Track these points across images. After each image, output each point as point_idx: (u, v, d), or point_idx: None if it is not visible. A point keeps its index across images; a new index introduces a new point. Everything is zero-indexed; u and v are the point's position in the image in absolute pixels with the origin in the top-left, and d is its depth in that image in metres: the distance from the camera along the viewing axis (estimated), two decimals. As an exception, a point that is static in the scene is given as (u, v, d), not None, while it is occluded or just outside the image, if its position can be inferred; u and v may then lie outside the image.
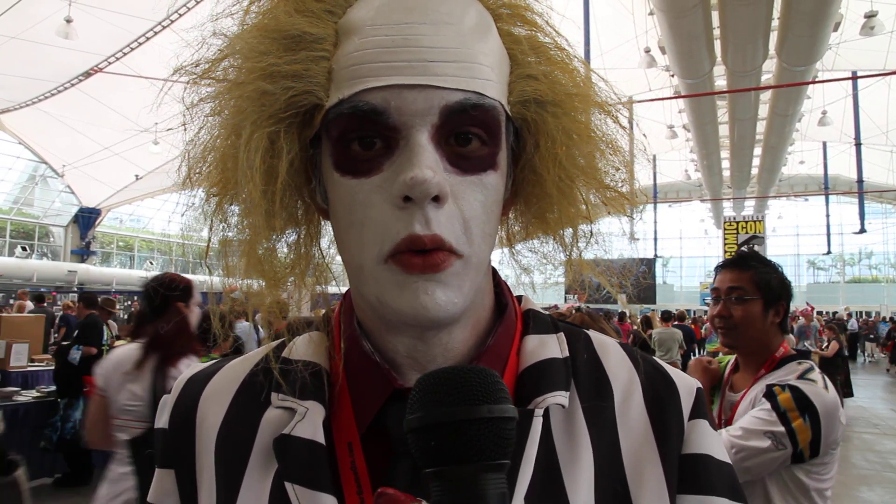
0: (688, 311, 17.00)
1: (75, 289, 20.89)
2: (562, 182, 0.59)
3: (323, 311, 0.67)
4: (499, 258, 0.70)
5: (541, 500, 0.52)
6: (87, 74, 17.19)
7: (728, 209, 30.98)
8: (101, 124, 18.82)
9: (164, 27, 15.42)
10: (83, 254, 26.34)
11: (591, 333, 0.65)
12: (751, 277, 1.94)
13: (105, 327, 7.16)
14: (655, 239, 28.41)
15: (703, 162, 22.97)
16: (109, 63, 16.67)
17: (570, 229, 0.63)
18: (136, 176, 22.95)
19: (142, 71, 14.57)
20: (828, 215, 28.21)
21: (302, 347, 0.62)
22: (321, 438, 0.55)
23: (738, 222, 20.58)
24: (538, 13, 0.60)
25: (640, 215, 0.68)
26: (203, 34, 0.58)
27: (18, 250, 24.79)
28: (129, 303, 19.54)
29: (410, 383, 0.54)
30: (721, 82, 16.66)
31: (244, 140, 0.52)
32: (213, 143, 0.57)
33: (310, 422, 0.56)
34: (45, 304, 12.19)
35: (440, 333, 0.55)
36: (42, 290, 18.91)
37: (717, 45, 13.65)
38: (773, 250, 34.47)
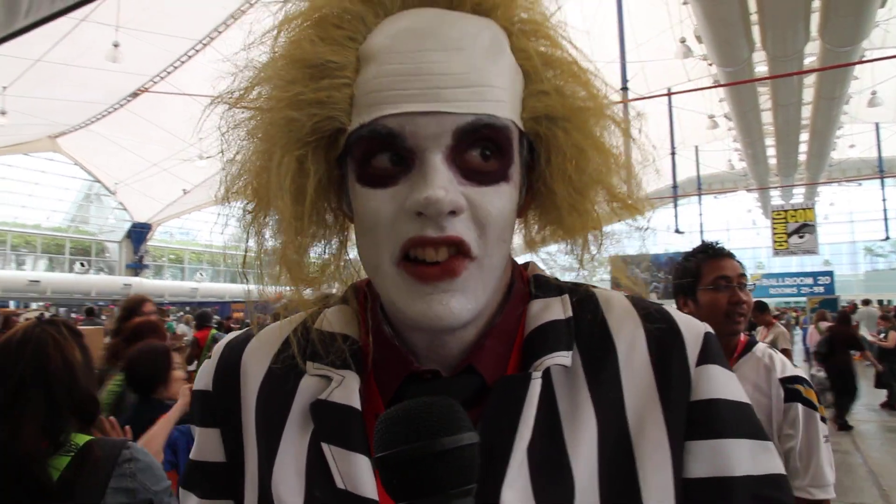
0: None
1: (131, 301, 21.64)
2: (570, 196, 0.61)
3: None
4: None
5: (541, 456, 0.56)
6: (135, 95, 17.88)
7: (776, 198, 30.01)
8: (149, 142, 19.54)
9: (204, 45, 15.93)
10: (137, 267, 27.32)
11: (597, 291, 0.67)
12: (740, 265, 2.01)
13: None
14: (701, 231, 27.71)
15: (748, 151, 22.34)
16: (154, 83, 17.29)
17: (580, 236, 0.65)
18: (184, 190, 23.69)
19: (185, 88, 15.08)
20: (884, 199, 26.99)
21: (335, 320, 0.65)
22: (357, 404, 0.59)
23: (786, 211, 19.81)
24: (553, 27, 0.62)
25: (648, 220, 0.68)
26: (237, 64, 0.62)
27: (77, 266, 25.88)
28: (181, 313, 20.19)
29: (427, 366, 0.60)
30: (762, 68, 16.20)
31: (275, 163, 0.57)
32: (247, 165, 0.61)
33: (346, 388, 0.60)
34: (103, 318, 12.73)
35: (458, 331, 0.59)
36: (100, 303, 19.70)
37: (756, 30, 13.29)
38: (827, 238, 33.19)
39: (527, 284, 0.67)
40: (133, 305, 3.57)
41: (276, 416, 0.62)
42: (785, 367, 1.86)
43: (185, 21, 14.64)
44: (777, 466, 0.60)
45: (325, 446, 0.58)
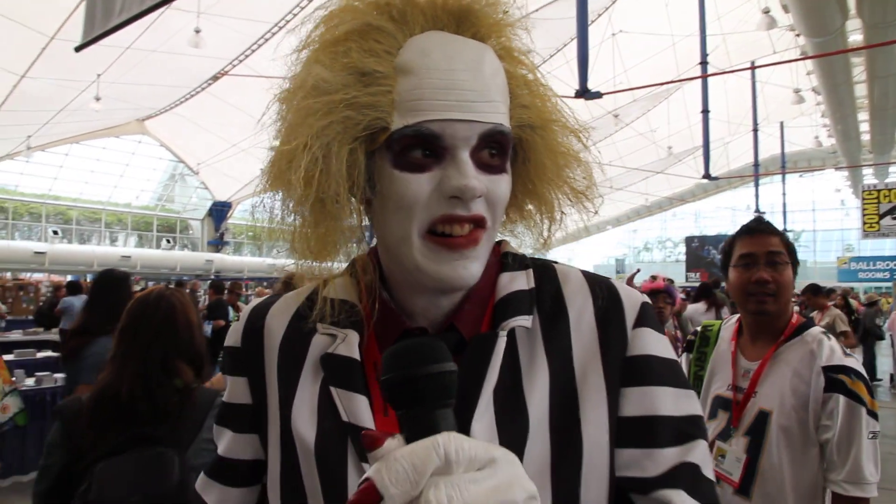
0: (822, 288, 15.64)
1: (212, 276, 22.84)
2: (546, 187, 0.78)
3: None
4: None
5: (504, 397, 0.70)
6: (215, 78, 18.60)
7: (869, 176, 28.15)
8: (229, 123, 20.31)
9: (279, 28, 16.36)
10: (218, 244, 28.62)
11: (557, 266, 0.81)
12: (781, 241, 1.87)
13: (231, 308, 8.14)
14: (784, 212, 26.33)
15: (837, 126, 20.99)
16: (233, 66, 17.93)
17: (547, 219, 0.81)
18: (262, 170, 24.48)
19: (261, 71, 15.57)
20: None
21: (339, 289, 0.79)
22: (357, 356, 0.73)
23: (879, 190, 18.48)
24: (527, 55, 0.78)
25: (597, 212, 0.83)
26: (290, 64, 0.73)
27: (164, 243, 27.43)
28: (258, 287, 21.06)
29: (418, 324, 0.74)
30: (855, 38, 15.13)
31: (334, 154, 0.67)
32: (302, 154, 0.68)
33: (348, 344, 0.74)
34: (185, 291, 13.51)
35: (451, 295, 0.73)
36: (185, 278, 20.87)
37: (851, -3, 12.40)
38: (926, 220, 30.83)
39: (499, 259, 0.80)
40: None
41: (293, 366, 0.76)
42: (833, 354, 1.74)
43: (261, 5, 15.06)
44: (695, 409, 0.74)
45: (332, 389, 0.72)
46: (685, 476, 0.69)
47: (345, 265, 0.81)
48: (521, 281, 0.77)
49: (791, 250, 1.88)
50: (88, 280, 20.16)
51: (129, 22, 3.40)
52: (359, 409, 0.70)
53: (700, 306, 6.95)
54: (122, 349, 1.84)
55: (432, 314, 0.74)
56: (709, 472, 0.71)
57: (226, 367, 0.83)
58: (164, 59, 15.88)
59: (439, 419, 0.50)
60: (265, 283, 22.04)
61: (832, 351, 1.76)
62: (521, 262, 0.80)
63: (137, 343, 1.84)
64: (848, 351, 1.80)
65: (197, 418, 1.78)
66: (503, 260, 0.80)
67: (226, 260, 27.29)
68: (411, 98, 0.67)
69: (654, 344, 0.74)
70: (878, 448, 1.70)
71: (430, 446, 0.45)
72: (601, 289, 0.77)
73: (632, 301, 0.76)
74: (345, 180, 0.68)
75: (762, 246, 1.87)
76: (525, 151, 0.77)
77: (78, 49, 4.10)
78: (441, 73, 0.67)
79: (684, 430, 0.71)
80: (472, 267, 0.69)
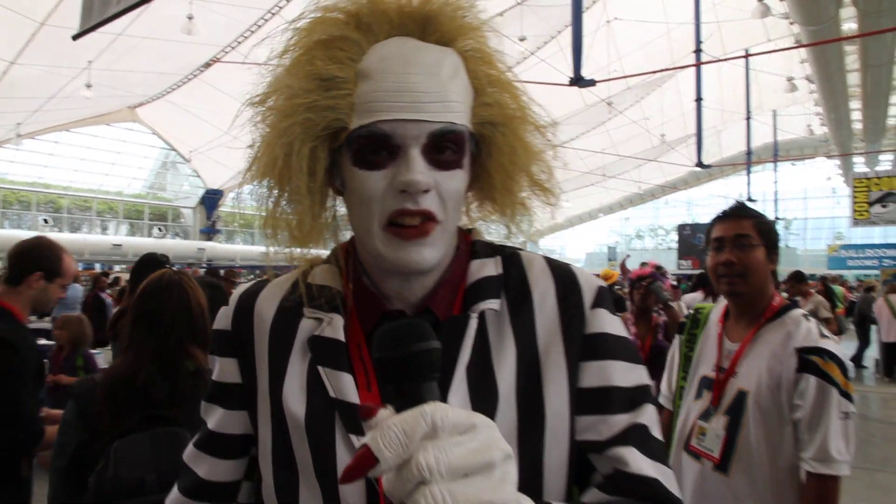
0: (812, 276, 15.78)
1: (204, 264, 22.78)
2: (504, 181, 0.82)
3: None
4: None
5: (476, 373, 0.76)
6: (207, 65, 18.47)
7: (860, 165, 28.29)
8: (221, 111, 20.18)
9: (272, 14, 16.24)
10: (210, 232, 28.54)
11: (523, 253, 0.87)
12: (753, 225, 1.92)
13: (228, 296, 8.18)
14: (776, 200, 26.43)
15: (830, 115, 21.06)
16: (226, 53, 17.81)
17: (509, 210, 0.86)
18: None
19: (254, 58, 15.45)
20: (983, 167, 24.98)
21: (321, 275, 0.84)
22: (342, 337, 0.79)
23: (869, 179, 18.59)
24: (494, 54, 0.83)
25: (560, 204, 0.89)
26: (262, 73, 0.81)
27: (155, 231, 27.31)
28: (252, 276, 21.05)
29: (395, 307, 0.80)
30: (850, 26, 15.15)
31: (296, 151, 0.75)
32: (271, 152, 0.77)
33: (333, 326, 0.80)
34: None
35: (422, 277, 0.79)
36: (176, 266, 20.80)
37: (845, -15, 12.39)
38: (916, 208, 31.01)
39: (469, 247, 0.86)
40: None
41: (283, 348, 0.82)
42: (809, 335, 1.78)
43: (253, -9, 14.95)
44: (644, 380, 0.81)
45: (320, 368, 0.78)
46: (636, 435, 0.76)
47: (326, 252, 0.87)
48: (490, 267, 0.83)
49: (764, 233, 1.91)
50: (80, 269, 20.06)
51: (128, 10, 3.41)
52: (345, 386, 0.75)
53: (697, 295, 7.00)
54: (139, 337, 1.86)
55: (406, 297, 0.80)
56: (657, 433, 0.79)
57: (215, 349, 0.88)
58: (156, 45, 15.75)
59: (426, 391, 0.56)
60: (258, 272, 21.98)
61: (808, 332, 1.80)
62: (489, 249, 0.86)
63: (154, 331, 1.85)
64: (826, 333, 1.83)
65: None
66: (473, 248, 0.85)
67: (217, 248, 27.26)
68: (367, 100, 0.73)
69: (609, 323, 0.81)
70: (851, 428, 1.71)
71: (419, 414, 0.50)
72: (562, 273, 0.83)
73: (589, 284, 0.83)
74: (305, 175, 0.76)
75: (731, 230, 1.93)
76: (488, 147, 0.81)
77: (75, 37, 4.10)
78: (395, 77, 0.73)
79: (634, 398, 0.79)
80: (425, 252, 0.74)
